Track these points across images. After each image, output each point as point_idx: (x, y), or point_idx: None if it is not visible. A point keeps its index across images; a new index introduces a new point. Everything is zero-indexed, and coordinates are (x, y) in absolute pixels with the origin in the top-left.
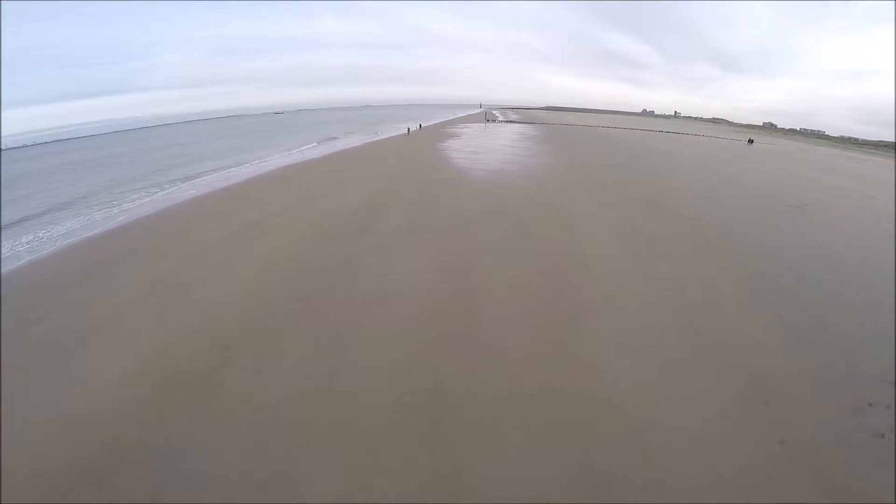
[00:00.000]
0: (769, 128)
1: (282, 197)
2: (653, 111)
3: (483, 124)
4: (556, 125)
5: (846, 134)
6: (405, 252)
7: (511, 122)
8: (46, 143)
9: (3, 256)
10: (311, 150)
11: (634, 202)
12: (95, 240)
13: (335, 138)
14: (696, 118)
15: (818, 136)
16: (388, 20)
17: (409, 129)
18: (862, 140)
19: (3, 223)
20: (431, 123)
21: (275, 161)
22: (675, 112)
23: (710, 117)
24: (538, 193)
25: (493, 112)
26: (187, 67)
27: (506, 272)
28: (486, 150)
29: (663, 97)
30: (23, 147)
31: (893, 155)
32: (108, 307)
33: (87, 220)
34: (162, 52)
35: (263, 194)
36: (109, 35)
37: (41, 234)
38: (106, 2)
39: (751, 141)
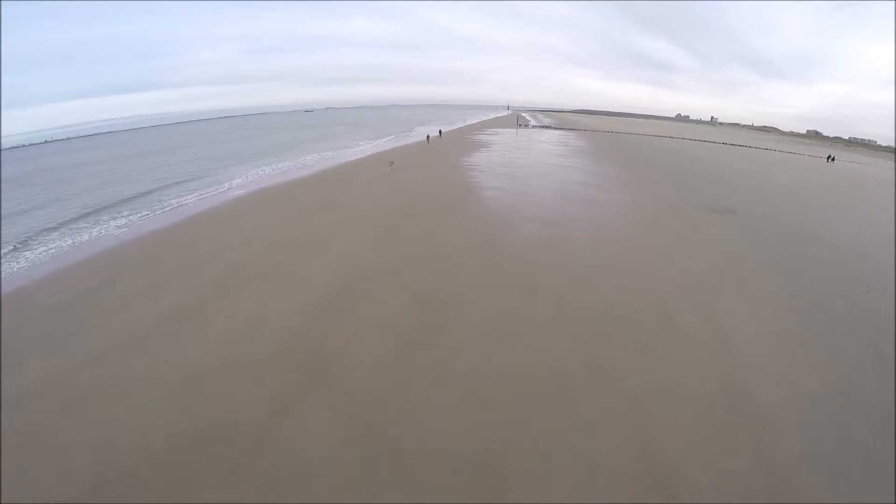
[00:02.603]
0: (814, 136)
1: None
2: (688, 116)
3: (514, 130)
4: (599, 132)
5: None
6: None
7: (547, 127)
8: (90, 135)
9: None
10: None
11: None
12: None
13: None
14: (743, 126)
15: (870, 146)
16: (415, 20)
17: (428, 136)
18: None
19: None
20: (456, 127)
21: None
22: (713, 118)
23: (760, 125)
24: (652, 299)
25: (524, 116)
26: (218, 65)
27: None
28: (528, 171)
29: (697, 101)
30: (66, 140)
31: None
32: None
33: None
34: (194, 50)
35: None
36: (141, 32)
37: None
38: (138, 1)
39: (831, 158)
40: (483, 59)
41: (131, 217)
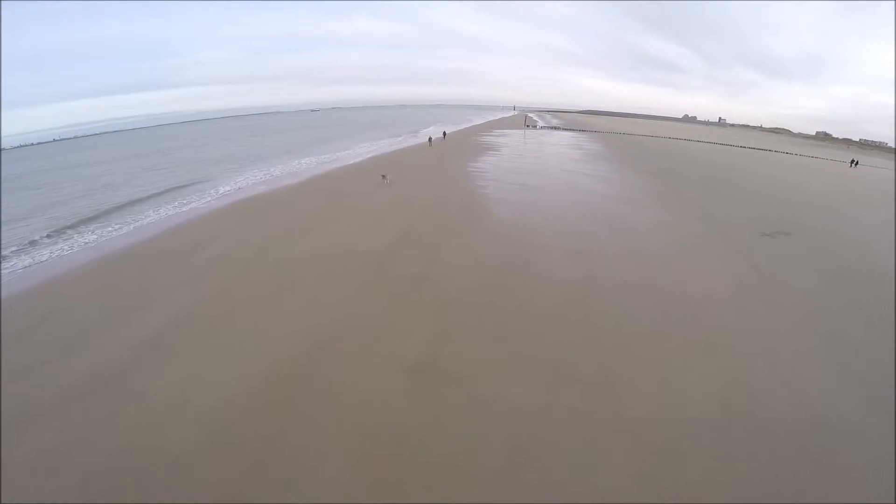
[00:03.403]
0: (824, 138)
1: None
2: (695, 117)
3: (521, 131)
4: (611, 134)
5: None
6: None
7: (555, 128)
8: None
9: None
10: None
11: None
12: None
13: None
14: (753, 127)
15: (882, 148)
16: (417, 20)
17: (430, 138)
18: None
19: None
20: (461, 128)
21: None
22: (720, 119)
23: (770, 127)
24: (737, 383)
25: (532, 116)
26: (223, 65)
27: None
28: (542, 179)
29: (702, 102)
30: (74, 138)
31: None
32: None
33: None
34: (198, 50)
35: None
36: (146, 32)
37: None
38: (143, 1)
39: (855, 163)
40: (488, 60)
41: (95, 234)
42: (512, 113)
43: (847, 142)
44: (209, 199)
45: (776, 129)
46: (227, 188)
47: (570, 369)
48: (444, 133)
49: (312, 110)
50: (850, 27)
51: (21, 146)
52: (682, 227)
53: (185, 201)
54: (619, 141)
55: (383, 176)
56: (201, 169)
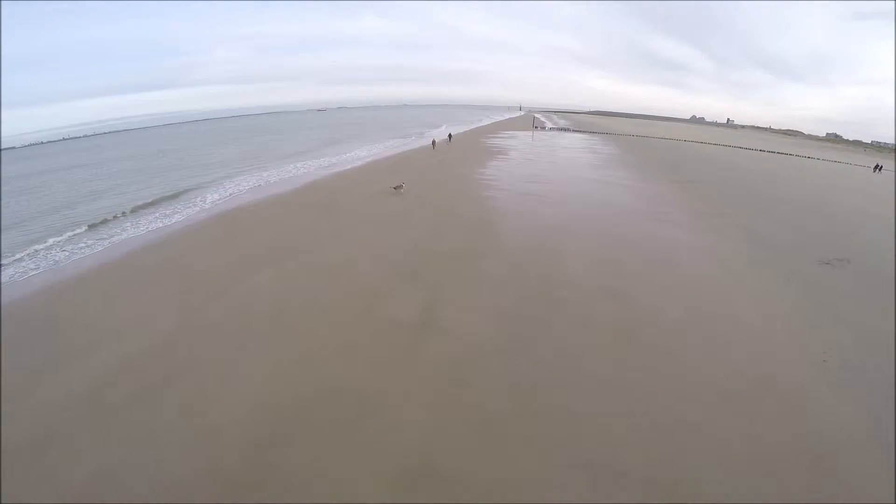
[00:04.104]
0: (834, 139)
1: None
2: (703, 118)
3: (530, 132)
4: (623, 136)
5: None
6: None
7: (565, 130)
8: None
9: None
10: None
11: None
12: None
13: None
14: (765, 129)
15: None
16: (426, 20)
17: (434, 140)
18: None
19: None
20: (468, 129)
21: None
22: (729, 119)
23: (783, 129)
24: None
25: (539, 117)
26: (232, 64)
27: None
28: (559, 189)
29: (711, 103)
30: (83, 137)
31: None
32: None
33: None
34: (208, 49)
35: None
36: (156, 32)
37: None
38: (154, 1)
39: (879, 168)
40: (495, 60)
41: (66, 251)
42: (518, 113)
43: (858, 144)
44: (193, 210)
45: (789, 131)
46: (217, 196)
47: (619, 464)
48: (450, 135)
49: (318, 110)
50: (861, 28)
51: (31, 144)
52: (733, 254)
53: (167, 211)
54: (633, 144)
55: (395, 187)
56: (195, 173)
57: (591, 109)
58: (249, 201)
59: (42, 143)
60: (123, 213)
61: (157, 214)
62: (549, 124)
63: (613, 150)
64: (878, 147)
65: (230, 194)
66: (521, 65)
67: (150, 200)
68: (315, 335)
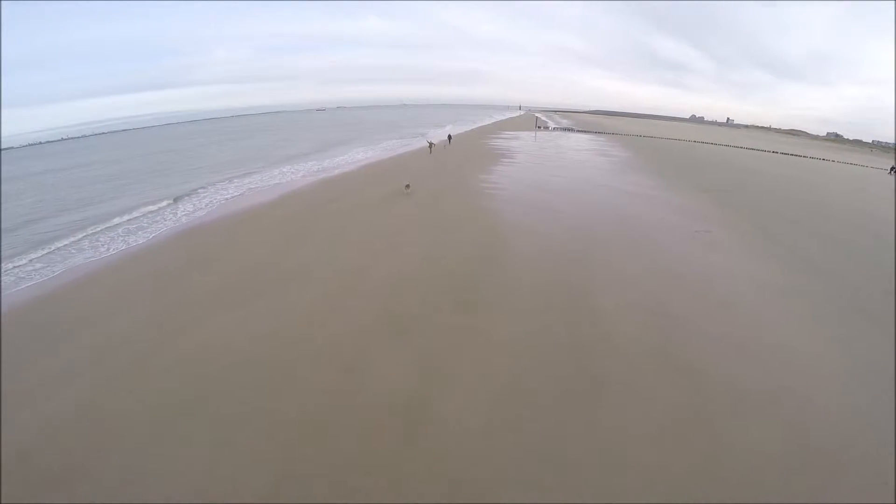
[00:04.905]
0: (835, 139)
1: None
2: (702, 117)
3: (532, 132)
4: (630, 137)
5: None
6: None
7: (569, 130)
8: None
9: None
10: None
11: None
12: None
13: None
14: (770, 129)
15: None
16: (427, 20)
17: (430, 143)
18: None
19: None
20: (468, 129)
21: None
22: (728, 119)
23: (787, 129)
24: None
25: (541, 117)
26: (232, 64)
27: None
28: (573, 199)
29: (711, 103)
30: (82, 137)
31: None
32: None
33: None
34: (208, 49)
35: None
36: (155, 32)
37: None
38: (153, 1)
39: (893, 170)
40: (495, 60)
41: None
42: (518, 113)
43: (860, 144)
44: (153, 232)
45: (792, 130)
46: (191, 206)
47: None
48: (449, 136)
49: (318, 110)
50: (861, 27)
51: (31, 144)
52: (799, 290)
53: (129, 228)
54: (642, 145)
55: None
56: (173, 180)
57: (592, 109)
58: (218, 217)
59: (41, 143)
60: (67, 234)
61: (112, 235)
62: (551, 124)
63: (624, 152)
64: (882, 147)
65: (205, 205)
66: (521, 64)
67: (120, 210)
68: (270, 422)
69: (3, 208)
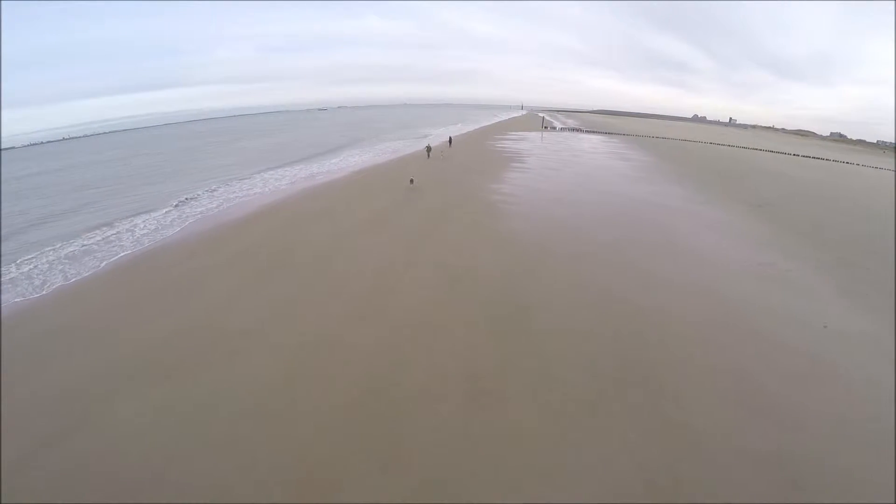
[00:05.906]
0: (839, 139)
1: None
2: (704, 117)
3: (539, 133)
4: (642, 137)
5: None
6: None
7: (577, 130)
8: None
9: None
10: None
11: None
12: None
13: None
14: (770, 128)
15: None
16: (427, 20)
17: (429, 147)
18: None
19: None
20: (470, 129)
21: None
22: (731, 119)
23: (795, 129)
24: None
25: (545, 117)
26: (234, 64)
27: None
28: (601, 214)
29: (713, 102)
30: (83, 137)
31: None
32: None
33: None
34: (210, 49)
35: None
36: (157, 31)
37: None
38: (155, 1)
39: None
40: (496, 59)
41: None
42: (520, 113)
43: (864, 144)
44: (110, 258)
45: (800, 131)
46: (153, 225)
47: None
48: (450, 139)
49: (320, 109)
50: (864, 26)
51: (31, 144)
52: None
53: (88, 242)
54: (659, 147)
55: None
56: (151, 189)
57: (594, 109)
58: (179, 238)
59: (42, 143)
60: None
61: (71, 253)
62: (558, 124)
63: (644, 155)
64: (888, 147)
65: (169, 222)
66: (523, 64)
67: (85, 228)
68: None
69: None
